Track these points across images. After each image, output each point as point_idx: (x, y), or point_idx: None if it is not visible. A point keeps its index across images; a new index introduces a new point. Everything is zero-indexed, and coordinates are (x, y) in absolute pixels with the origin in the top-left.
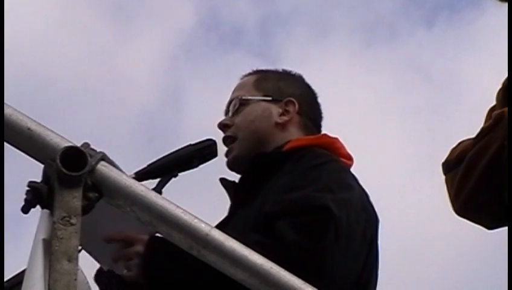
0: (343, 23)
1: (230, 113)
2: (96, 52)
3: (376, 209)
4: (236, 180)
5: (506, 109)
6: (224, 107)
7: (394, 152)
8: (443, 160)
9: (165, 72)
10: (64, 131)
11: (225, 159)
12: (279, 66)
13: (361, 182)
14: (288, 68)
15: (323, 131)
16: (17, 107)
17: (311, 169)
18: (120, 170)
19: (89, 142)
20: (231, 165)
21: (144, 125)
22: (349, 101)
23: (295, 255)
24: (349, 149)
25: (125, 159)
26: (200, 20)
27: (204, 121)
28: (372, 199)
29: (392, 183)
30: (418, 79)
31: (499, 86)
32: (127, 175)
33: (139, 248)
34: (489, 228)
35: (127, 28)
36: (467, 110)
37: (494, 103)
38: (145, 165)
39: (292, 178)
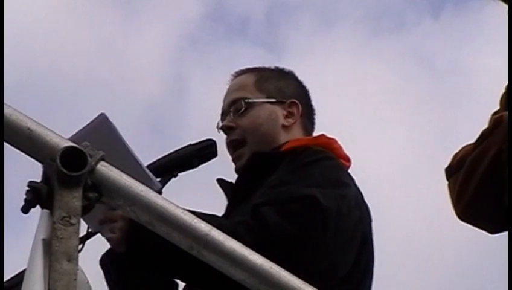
0: (349, 13)
1: (232, 115)
2: (102, 43)
3: (375, 209)
4: (234, 181)
5: (504, 112)
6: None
7: (399, 143)
8: (446, 165)
9: (171, 63)
10: (70, 121)
11: (234, 165)
12: (286, 57)
13: (358, 181)
14: (283, 63)
15: (324, 130)
16: (19, 105)
17: (304, 166)
18: (119, 136)
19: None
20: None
21: (149, 116)
22: (354, 91)
23: (275, 237)
24: (354, 138)
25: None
26: (207, 11)
27: (210, 112)
28: (377, 191)
29: (396, 174)
30: (424, 69)
31: (503, 91)
32: (127, 174)
33: None
34: (492, 232)
35: (134, 18)
36: (475, 101)
37: (498, 107)
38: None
39: (283, 174)
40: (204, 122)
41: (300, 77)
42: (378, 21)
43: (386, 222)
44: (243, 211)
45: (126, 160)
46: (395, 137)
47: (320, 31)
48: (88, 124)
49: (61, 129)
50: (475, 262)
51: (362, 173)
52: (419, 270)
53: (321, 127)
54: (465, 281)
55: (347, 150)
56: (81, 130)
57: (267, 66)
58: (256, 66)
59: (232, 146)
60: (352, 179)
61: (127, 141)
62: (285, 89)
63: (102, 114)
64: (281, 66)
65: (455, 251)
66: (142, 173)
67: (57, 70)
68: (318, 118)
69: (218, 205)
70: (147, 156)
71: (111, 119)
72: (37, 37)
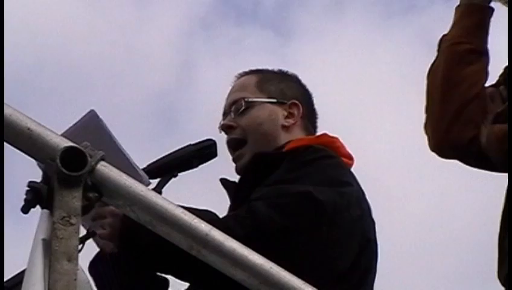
0: None
1: (233, 114)
2: (113, 30)
3: (377, 201)
4: (237, 181)
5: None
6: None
7: (408, 127)
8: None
9: (181, 49)
10: (79, 107)
11: (234, 164)
12: (295, 40)
13: (363, 165)
14: (287, 65)
15: (332, 115)
16: (27, 92)
17: (303, 164)
18: (108, 132)
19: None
20: (242, 171)
21: (159, 103)
22: (364, 74)
23: (266, 229)
24: (363, 121)
25: (140, 138)
26: None
27: (218, 99)
28: (381, 172)
29: (404, 159)
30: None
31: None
32: (126, 174)
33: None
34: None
35: (144, 4)
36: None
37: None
38: (145, 165)
39: (282, 173)
40: (213, 109)
41: (310, 60)
42: (391, 2)
43: (389, 215)
44: None
45: (115, 156)
46: (403, 121)
47: (330, 13)
48: (78, 121)
49: (69, 116)
50: (477, 257)
51: (367, 156)
52: (420, 267)
53: (330, 113)
54: (465, 279)
55: (354, 135)
56: (70, 127)
57: (270, 68)
58: (260, 68)
59: (232, 145)
60: (354, 178)
61: (127, 132)
62: (287, 90)
63: (91, 111)
64: (288, 53)
65: (457, 246)
66: (131, 169)
67: (66, 57)
68: (326, 105)
69: (218, 205)
70: (155, 144)
71: (116, 108)
72: (46, 23)
